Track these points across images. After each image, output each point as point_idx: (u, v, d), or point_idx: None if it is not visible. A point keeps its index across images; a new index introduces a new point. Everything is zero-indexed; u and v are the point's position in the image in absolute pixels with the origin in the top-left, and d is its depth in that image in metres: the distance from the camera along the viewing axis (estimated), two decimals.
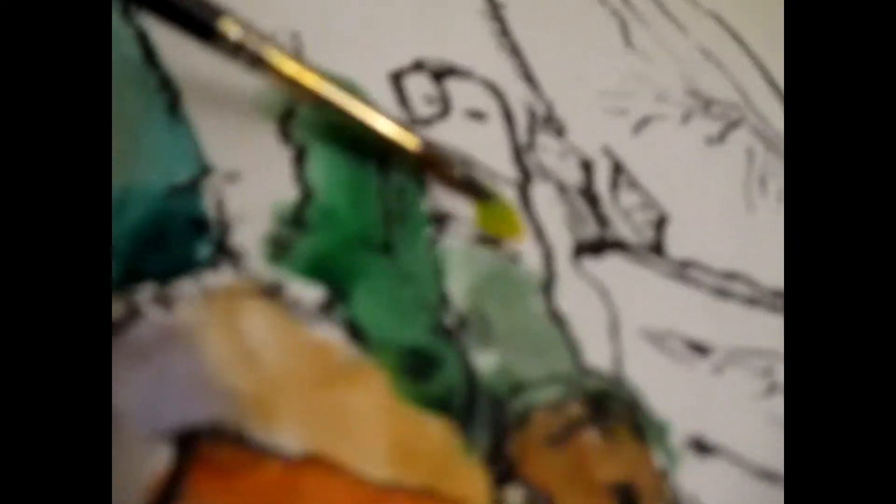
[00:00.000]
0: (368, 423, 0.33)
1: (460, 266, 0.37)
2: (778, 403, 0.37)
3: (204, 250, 0.35)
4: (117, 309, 0.33)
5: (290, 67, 0.37)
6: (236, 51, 0.36)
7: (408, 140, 0.38)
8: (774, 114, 0.45)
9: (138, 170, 0.35)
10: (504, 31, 0.43)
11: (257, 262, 0.35)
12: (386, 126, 0.38)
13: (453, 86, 0.41)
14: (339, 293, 0.35)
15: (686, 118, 0.44)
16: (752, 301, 0.40)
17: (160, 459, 0.31)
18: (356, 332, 0.34)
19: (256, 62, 0.36)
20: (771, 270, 0.41)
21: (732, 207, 0.42)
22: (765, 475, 0.36)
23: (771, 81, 0.46)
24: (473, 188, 0.38)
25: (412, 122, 0.39)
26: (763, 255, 0.41)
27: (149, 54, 0.38)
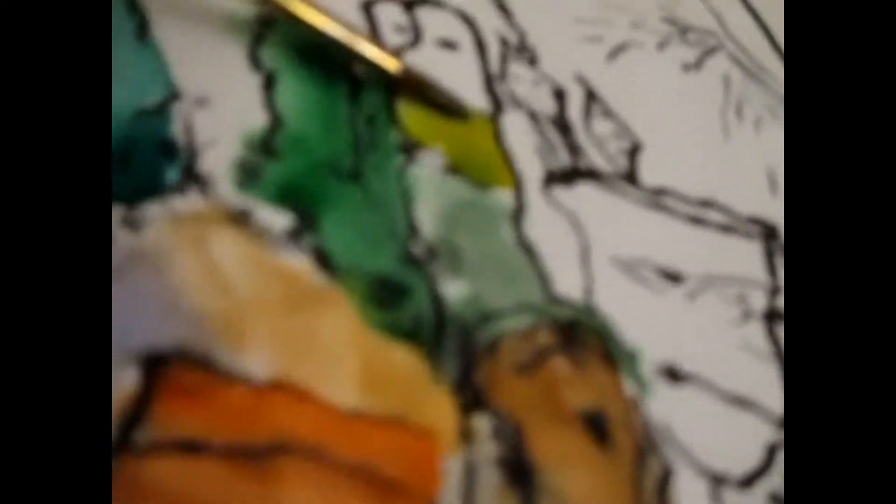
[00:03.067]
0: (336, 349, 0.33)
1: (430, 194, 0.36)
2: (752, 330, 0.38)
3: (172, 174, 0.35)
4: None
5: None
6: None
7: (388, 62, 0.38)
8: (752, 40, 0.45)
9: None
10: None
11: (226, 188, 0.35)
12: (367, 49, 0.38)
13: (424, 15, 0.40)
14: (307, 220, 0.35)
15: (662, 45, 0.43)
16: (726, 228, 0.40)
17: (128, 380, 0.31)
18: (324, 260, 0.34)
19: None
20: (746, 197, 0.41)
21: (708, 134, 0.42)
22: (737, 402, 0.36)
23: (749, 7, 0.46)
24: (450, 108, 0.38)
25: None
26: (739, 181, 0.41)
27: None
